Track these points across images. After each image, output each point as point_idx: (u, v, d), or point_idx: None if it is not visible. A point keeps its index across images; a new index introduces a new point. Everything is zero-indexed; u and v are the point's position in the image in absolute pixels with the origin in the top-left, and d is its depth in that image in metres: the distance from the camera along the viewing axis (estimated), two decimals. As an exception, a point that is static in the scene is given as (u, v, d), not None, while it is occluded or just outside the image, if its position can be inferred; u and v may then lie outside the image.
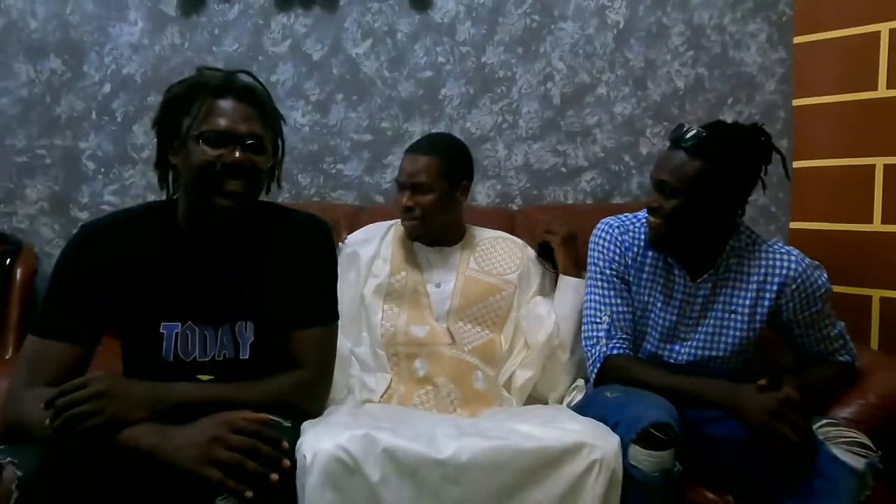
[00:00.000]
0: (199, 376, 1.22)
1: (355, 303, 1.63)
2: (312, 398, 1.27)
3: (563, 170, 2.12)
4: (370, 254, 1.67)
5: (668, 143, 1.43)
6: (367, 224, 1.81)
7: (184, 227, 1.24)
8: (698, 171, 1.35)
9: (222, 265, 1.24)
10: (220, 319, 1.23)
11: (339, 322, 1.33)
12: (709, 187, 1.36)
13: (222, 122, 1.17)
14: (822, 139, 2.01)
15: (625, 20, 2.09)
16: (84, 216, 2.09)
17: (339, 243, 1.68)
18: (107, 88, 2.11)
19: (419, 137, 1.77)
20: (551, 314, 1.61)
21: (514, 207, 2.10)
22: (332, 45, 2.09)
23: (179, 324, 1.22)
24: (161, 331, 1.22)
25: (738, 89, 2.11)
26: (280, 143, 1.26)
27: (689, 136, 1.36)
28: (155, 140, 1.25)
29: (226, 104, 1.18)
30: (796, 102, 2.06)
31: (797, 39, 2.04)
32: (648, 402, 1.27)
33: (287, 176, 1.97)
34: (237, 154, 1.16)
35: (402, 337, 1.59)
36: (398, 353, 1.58)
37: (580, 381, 1.59)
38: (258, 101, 1.23)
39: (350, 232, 1.80)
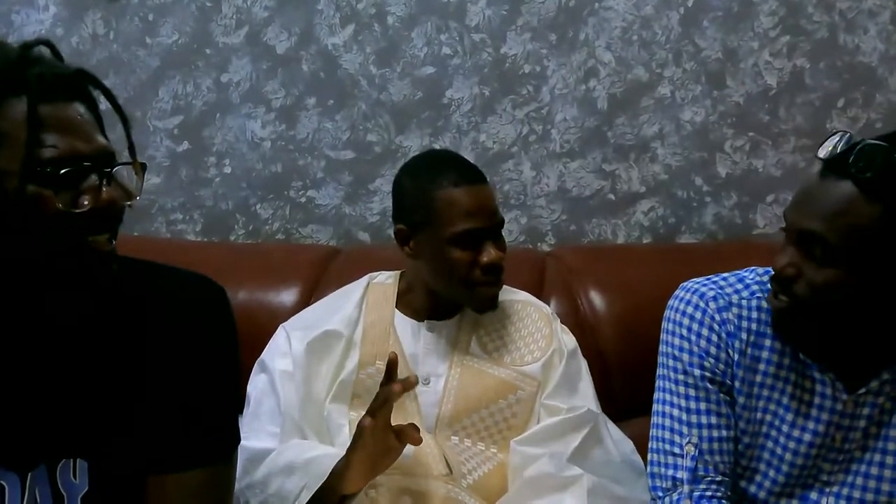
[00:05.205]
0: None
1: (322, 410, 1.30)
2: None
3: (612, 197, 1.93)
4: (349, 328, 1.31)
5: (815, 166, 1.01)
6: (344, 271, 1.58)
7: None
8: (881, 219, 0.94)
9: (30, 369, 0.91)
10: (28, 460, 0.91)
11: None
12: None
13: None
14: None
15: (695, -5, 1.86)
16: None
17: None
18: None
19: (417, 153, 1.60)
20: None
21: (545, 248, 1.90)
22: (303, 34, 1.92)
23: None
24: None
25: (851, 87, 1.87)
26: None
27: (865, 156, 0.93)
28: None
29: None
30: (932, 104, 1.80)
31: (934, 18, 1.77)
32: None
33: (241, 207, 1.89)
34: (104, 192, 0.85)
35: None
36: (376, 482, 1.23)
37: None
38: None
39: (317, 287, 1.54)
